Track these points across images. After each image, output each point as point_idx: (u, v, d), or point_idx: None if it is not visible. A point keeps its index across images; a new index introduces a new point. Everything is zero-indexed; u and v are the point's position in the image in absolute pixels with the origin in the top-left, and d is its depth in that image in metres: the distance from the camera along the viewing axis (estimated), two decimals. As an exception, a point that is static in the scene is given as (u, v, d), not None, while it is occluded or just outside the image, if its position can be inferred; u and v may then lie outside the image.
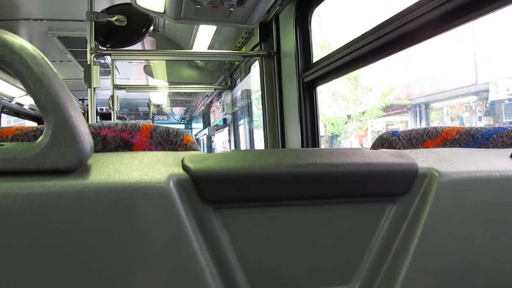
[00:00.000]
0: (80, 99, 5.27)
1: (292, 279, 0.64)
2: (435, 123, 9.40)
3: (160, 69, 3.82)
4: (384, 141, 0.83)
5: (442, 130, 0.85)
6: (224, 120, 5.54)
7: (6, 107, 4.29)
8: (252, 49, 2.69)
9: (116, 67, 3.12)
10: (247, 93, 3.40)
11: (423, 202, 0.66)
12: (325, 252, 0.65)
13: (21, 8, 2.66)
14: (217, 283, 0.60)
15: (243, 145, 3.76)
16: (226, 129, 5.45)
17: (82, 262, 0.55)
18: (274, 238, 0.63)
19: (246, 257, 0.62)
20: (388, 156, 0.68)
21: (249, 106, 3.44)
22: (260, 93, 2.65)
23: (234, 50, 3.11)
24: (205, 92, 4.80)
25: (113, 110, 2.54)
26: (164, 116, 8.48)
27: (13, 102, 4.21)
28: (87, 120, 2.70)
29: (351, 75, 9.78)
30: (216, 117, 6.16)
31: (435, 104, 9.48)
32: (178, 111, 8.12)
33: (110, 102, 2.53)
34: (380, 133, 0.86)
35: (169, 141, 0.74)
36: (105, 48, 2.49)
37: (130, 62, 3.76)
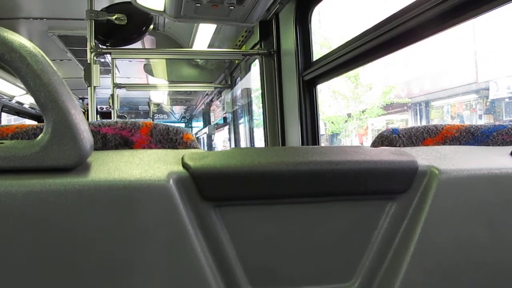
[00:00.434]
0: (80, 98, 5.27)
1: (292, 277, 0.64)
2: (435, 121, 9.39)
3: (160, 67, 3.82)
4: (384, 139, 0.83)
5: (442, 128, 0.85)
6: (224, 118, 5.54)
7: (6, 106, 4.29)
8: (252, 48, 2.69)
9: (116, 66, 3.12)
10: (247, 92, 3.40)
11: (423, 200, 0.66)
12: (325, 249, 0.65)
13: (21, 7, 2.65)
14: (217, 281, 0.60)
15: (243, 144, 3.76)
16: (226, 127, 5.46)
17: (82, 259, 0.55)
18: (274, 235, 0.63)
19: (246, 254, 0.62)
20: (388, 154, 0.68)
21: (249, 104, 3.44)
22: (260, 91, 2.65)
23: (234, 48, 3.11)
24: (205, 91, 4.79)
25: (113, 109, 2.54)
26: (164, 115, 8.48)
27: (13, 101, 4.21)
28: (87, 119, 2.69)
29: (351, 73, 9.77)
30: (216, 115, 6.16)
31: (436, 102, 9.47)
32: (178, 109, 8.12)
33: (110, 101, 2.53)
34: (380, 132, 0.86)
35: (169, 139, 0.74)
36: (105, 47, 2.49)
37: (130, 61, 3.76)
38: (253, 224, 0.63)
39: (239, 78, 3.50)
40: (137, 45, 2.92)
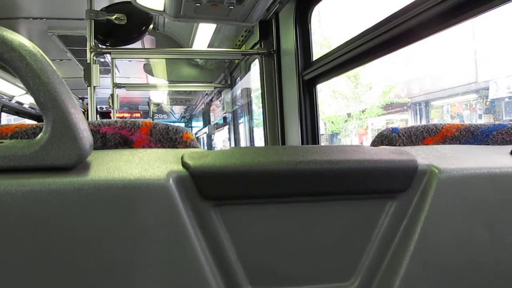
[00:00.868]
0: (80, 98, 5.27)
1: (292, 276, 0.64)
2: (435, 121, 9.39)
3: (160, 67, 3.82)
4: (384, 138, 0.83)
5: (442, 127, 0.85)
6: (224, 118, 5.54)
7: (6, 106, 4.29)
8: (252, 47, 2.69)
9: (116, 66, 3.11)
10: (247, 92, 3.40)
11: (423, 199, 0.66)
12: (325, 248, 0.65)
13: (20, 6, 2.65)
14: (217, 280, 0.60)
15: (243, 144, 3.76)
16: (226, 127, 5.46)
17: (82, 259, 0.55)
18: (274, 234, 0.63)
19: (245, 253, 0.62)
20: (388, 153, 0.68)
21: (249, 104, 3.43)
22: (260, 91, 2.65)
23: (234, 48, 3.11)
24: (205, 91, 4.79)
25: (113, 108, 2.54)
26: (164, 115, 8.48)
27: (13, 101, 4.21)
28: (87, 119, 2.69)
29: (351, 73, 9.76)
30: (216, 115, 6.16)
31: (435, 102, 9.46)
32: (178, 109, 8.12)
33: (110, 101, 2.53)
34: (380, 131, 0.86)
35: (169, 138, 0.74)
36: (104, 47, 2.48)
37: (130, 61, 3.76)
38: (253, 223, 0.63)
39: (239, 77, 3.50)
40: (137, 45, 2.92)
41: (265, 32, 2.51)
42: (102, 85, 2.31)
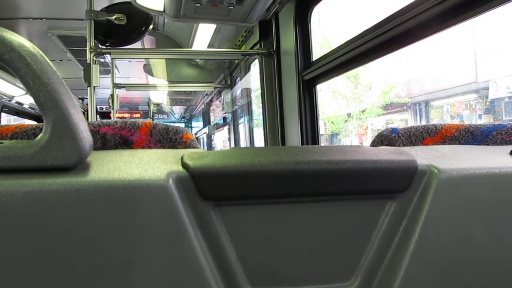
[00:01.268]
0: (80, 98, 5.27)
1: (291, 276, 0.64)
2: (435, 121, 9.38)
3: (160, 67, 3.82)
4: (384, 139, 0.83)
5: (442, 128, 0.85)
6: (224, 118, 5.54)
7: (6, 106, 4.29)
8: (252, 48, 2.69)
9: (115, 66, 3.11)
10: (247, 92, 3.40)
11: (422, 199, 0.66)
12: (325, 249, 0.65)
13: (20, 7, 2.65)
14: (217, 280, 0.60)
15: (243, 144, 3.76)
16: (226, 127, 5.46)
17: (82, 259, 0.55)
18: (273, 235, 0.63)
19: (245, 254, 0.62)
20: (387, 153, 0.68)
21: (249, 104, 3.44)
22: (260, 91, 2.65)
23: (233, 48, 3.11)
24: (205, 91, 4.79)
25: (113, 109, 2.54)
26: (164, 115, 8.48)
27: (13, 101, 4.21)
28: (87, 119, 2.68)
29: (351, 73, 9.76)
30: (216, 115, 6.16)
31: (435, 102, 9.47)
32: (178, 109, 8.12)
33: (110, 101, 2.53)
34: (379, 131, 0.86)
35: (169, 139, 0.74)
36: (104, 47, 2.48)
37: (129, 61, 3.76)
38: (252, 223, 0.63)
39: (238, 78, 3.50)
40: (137, 45, 2.92)
41: (265, 32, 2.51)
42: (102, 86, 2.31)
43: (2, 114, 4.28)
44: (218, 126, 6.38)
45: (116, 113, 2.56)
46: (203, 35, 2.92)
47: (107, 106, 2.77)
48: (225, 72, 3.76)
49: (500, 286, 0.67)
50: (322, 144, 3.49)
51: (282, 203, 0.63)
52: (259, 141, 3.07)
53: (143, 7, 1.91)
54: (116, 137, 0.72)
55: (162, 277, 0.57)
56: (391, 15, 1.43)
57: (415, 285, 0.64)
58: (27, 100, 4.33)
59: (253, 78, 3.15)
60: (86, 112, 4.82)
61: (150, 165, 0.61)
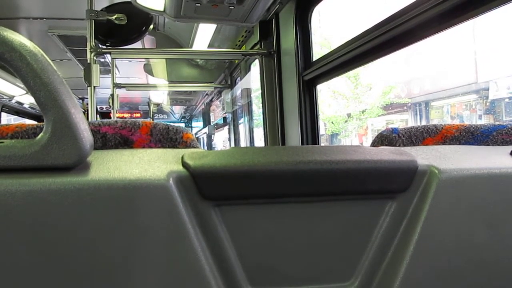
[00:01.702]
0: (80, 98, 5.27)
1: (291, 276, 0.64)
2: (435, 121, 9.38)
3: (160, 67, 3.82)
4: (384, 139, 0.83)
5: (442, 128, 0.85)
6: (224, 118, 5.54)
7: (6, 105, 4.29)
8: (252, 48, 2.69)
9: (116, 66, 3.12)
10: (247, 92, 3.40)
11: (422, 199, 0.66)
12: (325, 249, 0.65)
13: (21, 6, 2.65)
14: (217, 280, 0.60)
15: (243, 144, 3.76)
16: (226, 127, 5.46)
17: (82, 258, 0.55)
18: (274, 235, 0.63)
19: (245, 253, 0.62)
20: (388, 153, 0.68)
21: (249, 104, 3.44)
22: (260, 91, 2.65)
23: (234, 48, 3.11)
24: (205, 91, 4.79)
25: (113, 108, 2.54)
26: (164, 115, 8.48)
27: (13, 101, 4.21)
28: (87, 119, 2.68)
29: (351, 73, 9.76)
30: (216, 115, 6.16)
31: (435, 103, 9.46)
32: (178, 109, 8.12)
33: (110, 101, 2.53)
34: (380, 131, 0.86)
35: (169, 139, 0.74)
36: (105, 47, 2.48)
37: (130, 61, 3.76)
38: (252, 223, 0.63)
39: (239, 78, 3.50)
40: (137, 45, 2.92)
41: (265, 33, 2.51)
42: (102, 85, 2.31)
43: (2, 113, 4.28)
44: (218, 126, 6.38)
45: (116, 113, 2.56)
46: (204, 35, 2.92)
47: (107, 106, 2.76)
48: (225, 72, 3.77)
49: (501, 286, 0.67)
50: (322, 144, 3.49)
51: (282, 203, 0.63)
52: (259, 141, 3.07)
53: (143, 7, 1.91)
54: (116, 137, 0.72)
55: (162, 276, 0.57)
56: (391, 16, 1.43)
57: (415, 285, 0.64)
58: (27, 100, 4.32)
59: (253, 78, 3.15)
60: (86, 112, 4.82)
61: (151, 165, 0.61)
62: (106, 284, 0.56)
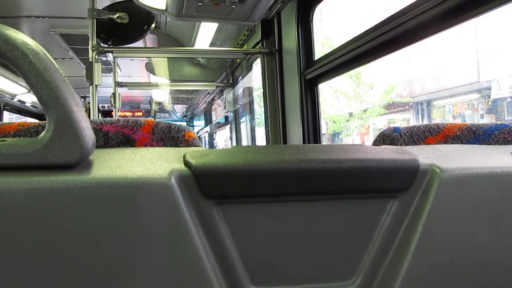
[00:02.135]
0: (82, 97, 5.27)
1: (293, 275, 0.64)
2: (437, 120, 9.36)
3: (162, 66, 3.82)
4: (386, 138, 0.83)
5: (444, 127, 0.85)
6: (226, 117, 5.54)
7: (8, 104, 4.30)
8: (254, 47, 2.69)
9: (117, 65, 3.11)
10: (249, 91, 3.40)
11: (424, 198, 0.66)
12: (327, 247, 0.65)
13: (23, 5, 2.66)
14: (218, 278, 0.60)
15: (245, 143, 3.76)
16: (227, 126, 5.46)
17: (84, 257, 0.55)
18: (275, 233, 0.63)
19: (247, 252, 0.62)
20: (389, 152, 0.68)
21: (251, 103, 3.44)
22: (261, 90, 2.65)
23: (235, 47, 3.11)
24: (207, 90, 4.80)
25: (115, 107, 2.54)
26: (165, 114, 8.49)
27: (15, 100, 4.21)
28: (89, 118, 2.67)
29: (353, 72, 9.75)
30: (218, 114, 6.16)
31: (437, 102, 9.45)
32: (179, 108, 8.13)
33: (112, 100, 2.53)
34: (381, 130, 0.86)
35: (171, 137, 0.74)
36: (106, 46, 2.49)
37: (131, 60, 3.77)
38: (254, 222, 0.63)
39: (240, 77, 3.50)
40: (139, 43, 2.92)
41: (267, 31, 2.51)
42: (104, 84, 2.32)
43: (4, 112, 4.29)
44: (219, 125, 6.37)
45: (118, 111, 2.56)
46: (205, 34, 2.92)
47: (109, 104, 2.77)
48: (227, 71, 3.77)
49: (502, 285, 0.67)
50: (323, 143, 3.49)
51: (284, 201, 0.64)
52: (261, 140, 3.07)
53: (145, 5, 1.91)
54: (118, 135, 0.72)
55: (163, 274, 0.57)
56: (393, 15, 1.43)
57: (417, 284, 0.64)
58: (29, 99, 4.33)
59: (255, 77, 3.15)
60: (88, 111, 4.83)
61: (152, 163, 0.61)
62: (108, 282, 0.56)
